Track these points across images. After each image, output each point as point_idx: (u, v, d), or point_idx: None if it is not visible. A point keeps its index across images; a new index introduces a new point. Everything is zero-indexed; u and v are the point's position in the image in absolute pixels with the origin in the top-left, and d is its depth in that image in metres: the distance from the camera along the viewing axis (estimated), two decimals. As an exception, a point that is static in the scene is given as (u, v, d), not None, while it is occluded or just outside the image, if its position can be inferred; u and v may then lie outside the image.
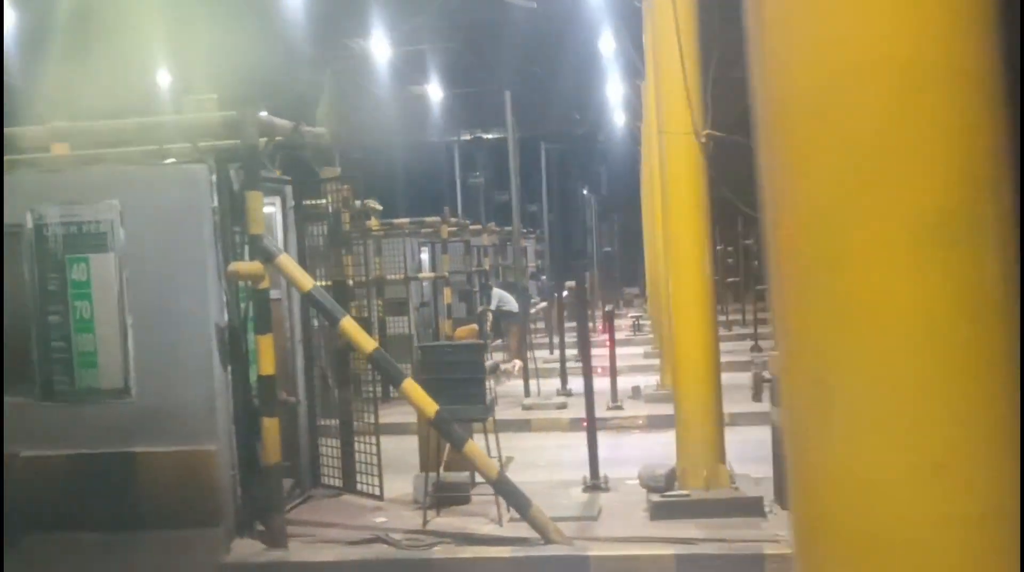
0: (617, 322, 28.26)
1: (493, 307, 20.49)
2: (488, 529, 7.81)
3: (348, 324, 7.48)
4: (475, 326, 16.52)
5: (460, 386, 7.82)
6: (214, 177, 7.53)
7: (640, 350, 21.07)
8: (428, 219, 21.32)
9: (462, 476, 8.76)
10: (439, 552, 7.27)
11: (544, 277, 28.27)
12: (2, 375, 7.39)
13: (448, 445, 8.60)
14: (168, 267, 7.40)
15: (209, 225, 7.46)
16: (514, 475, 8.80)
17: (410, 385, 7.42)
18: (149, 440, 7.39)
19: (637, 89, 26.29)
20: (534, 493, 7.98)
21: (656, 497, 7.84)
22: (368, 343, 7.50)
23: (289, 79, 21.06)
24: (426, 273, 21.24)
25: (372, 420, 9.05)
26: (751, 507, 7.70)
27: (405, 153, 31.54)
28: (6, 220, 7.48)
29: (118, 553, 7.37)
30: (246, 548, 7.52)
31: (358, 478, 9.14)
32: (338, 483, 9.25)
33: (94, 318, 7.44)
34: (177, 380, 7.38)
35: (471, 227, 25.27)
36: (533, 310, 21.45)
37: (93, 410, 7.46)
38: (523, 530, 7.65)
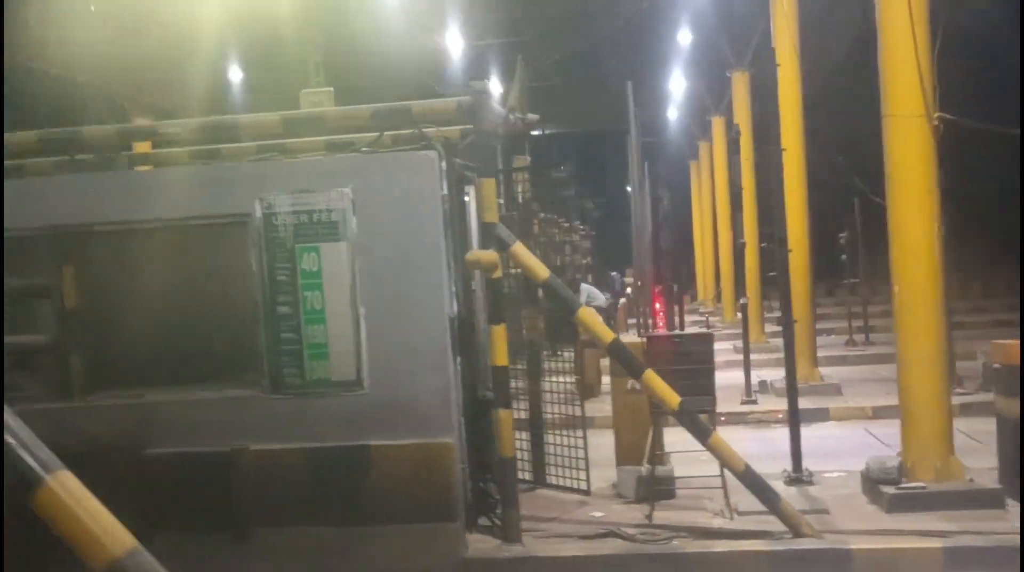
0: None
1: (582, 303, 20.34)
2: (719, 523, 7.65)
3: (585, 314, 7.32)
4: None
5: (689, 377, 7.65)
6: (444, 164, 7.37)
7: (728, 345, 20.85)
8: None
9: (667, 470, 8.60)
10: (689, 547, 7.10)
11: (615, 273, 28.09)
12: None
13: (651, 438, 8.47)
14: (401, 256, 7.21)
15: (440, 213, 7.29)
16: (685, 470, 8.69)
17: (651, 376, 7.25)
18: (383, 433, 7.21)
19: (709, 82, 26.09)
20: (733, 488, 7.86)
21: (891, 489, 7.66)
22: (607, 334, 7.33)
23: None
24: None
25: (566, 413, 8.90)
26: (990, 499, 7.52)
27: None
28: (232, 210, 7.31)
29: (353, 548, 7.22)
30: (481, 543, 7.36)
31: (550, 471, 8.99)
32: (528, 477, 9.10)
33: (325, 309, 7.26)
34: (411, 372, 7.19)
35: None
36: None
37: (324, 403, 7.29)
38: (755, 523, 7.50)
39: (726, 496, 7.73)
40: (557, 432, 8.96)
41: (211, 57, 22.99)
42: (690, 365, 7.69)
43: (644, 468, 8.49)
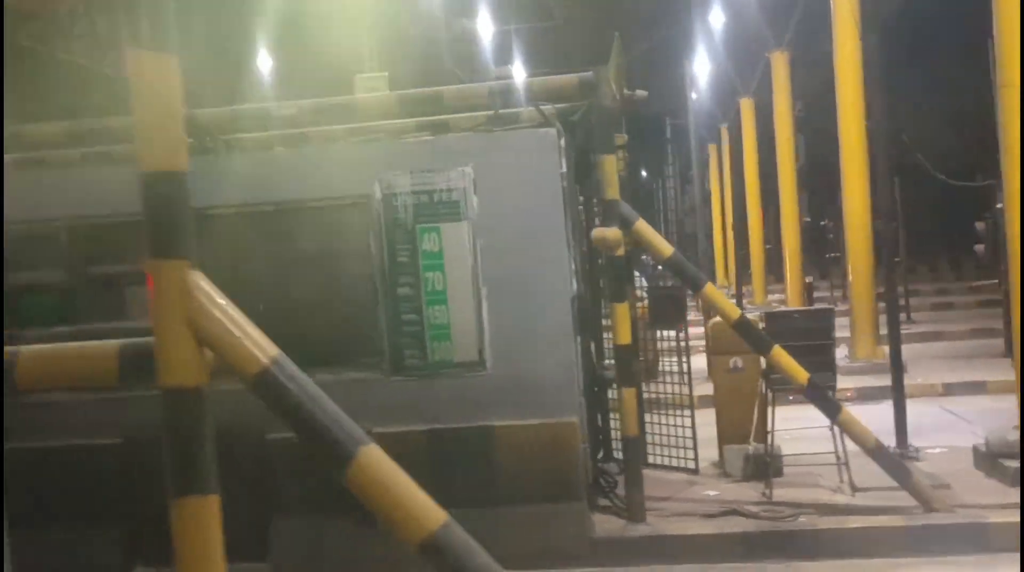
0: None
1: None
2: (841, 499, 7.61)
3: (711, 290, 7.26)
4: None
5: (808, 353, 7.57)
6: (563, 141, 7.30)
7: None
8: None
9: (775, 448, 8.55)
10: (821, 523, 7.06)
11: (645, 257, 27.91)
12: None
13: (756, 415, 8.44)
14: (522, 235, 7.14)
15: (560, 190, 7.22)
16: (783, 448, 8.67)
17: (779, 352, 7.19)
18: (506, 413, 7.15)
19: (737, 63, 25.96)
20: (831, 464, 7.90)
21: (1014, 463, 7.60)
22: (733, 310, 7.28)
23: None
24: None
25: (662, 392, 8.85)
26: (1115, 472, 7.46)
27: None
28: (350, 191, 7.24)
29: (479, 530, 7.12)
30: (605, 523, 7.32)
31: (651, 451, 8.95)
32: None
33: (447, 289, 7.19)
34: (534, 351, 7.13)
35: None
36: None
37: (446, 384, 7.22)
38: (879, 499, 7.46)
39: (847, 472, 7.70)
40: (658, 411, 8.91)
41: (235, 42, 22.91)
42: (809, 341, 7.62)
43: (752, 446, 8.46)
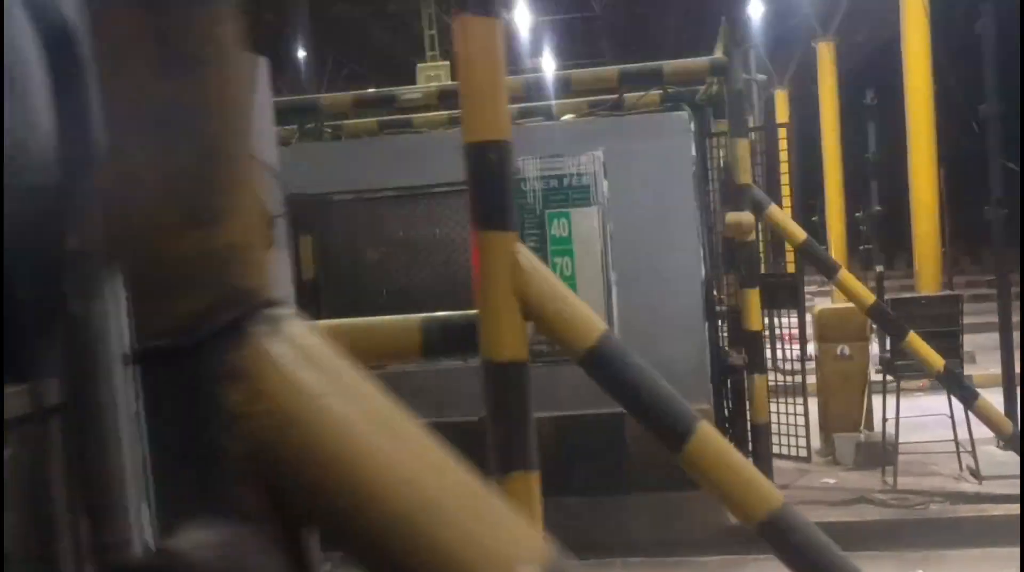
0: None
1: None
2: (968, 487, 7.53)
3: (845, 276, 7.18)
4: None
5: (934, 339, 7.49)
6: (692, 124, 7.22)
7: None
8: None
9: (888, 436, 8.47)
10: (961, 511, 7.00)
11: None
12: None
13: (865, 403, 8.38)
14: (652, 219, 7.07)
15: (691, 174, 7.15)
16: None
17: (914, 338, 7.12)
18: (636, 400, 7.07)
19: (771, 53, 25.84)
20: (942, 452, 7.89)
21: None
22: (867, 296, 7.20)
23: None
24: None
25: (780, 380, 8.77)
26: None
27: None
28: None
29: (609, 517, 7.11)
30: (735, 510, 7.24)
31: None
32: (729, 446, 8.98)
33: (575, 275, 7.11)
34: (665, 337, 7.04)
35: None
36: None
37: (574, 370, 7.08)
38: (1009, 487, 7.37)
39: (973, 459, 7.61)
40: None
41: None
42: (937, 327, 7.53)
43: (863, 434, 8.40)
